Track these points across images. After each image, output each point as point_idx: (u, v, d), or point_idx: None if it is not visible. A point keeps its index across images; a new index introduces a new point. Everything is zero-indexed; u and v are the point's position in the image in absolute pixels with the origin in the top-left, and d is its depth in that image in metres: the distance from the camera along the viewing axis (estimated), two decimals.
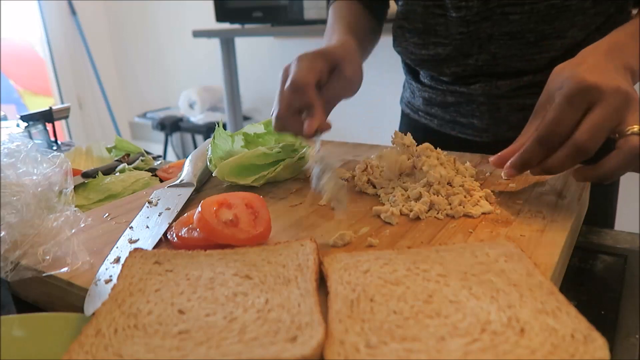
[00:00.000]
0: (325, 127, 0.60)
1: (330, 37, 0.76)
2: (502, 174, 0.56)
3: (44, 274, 0.45)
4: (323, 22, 0.95)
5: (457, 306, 0.34)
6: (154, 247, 0.49)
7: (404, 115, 0.99)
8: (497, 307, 0.34)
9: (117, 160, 0.86)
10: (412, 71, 0.91)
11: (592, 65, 0.51)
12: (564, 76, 0.52)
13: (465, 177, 0.61)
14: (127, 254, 0.45)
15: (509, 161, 0.55)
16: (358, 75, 0.66)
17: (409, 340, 0.31)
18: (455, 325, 0.32)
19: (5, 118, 1.18)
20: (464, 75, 0.80)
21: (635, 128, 0.48)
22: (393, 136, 0.66)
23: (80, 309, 0.40)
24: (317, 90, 0.61)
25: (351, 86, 0.65)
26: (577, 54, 0.55)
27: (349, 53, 0.66)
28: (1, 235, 0.47)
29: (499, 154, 0.58)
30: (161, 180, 0.79)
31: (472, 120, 0.83)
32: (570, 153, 0.49)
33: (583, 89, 0.49)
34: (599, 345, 0.30)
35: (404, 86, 0.99)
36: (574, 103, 0.49)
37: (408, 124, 0.97)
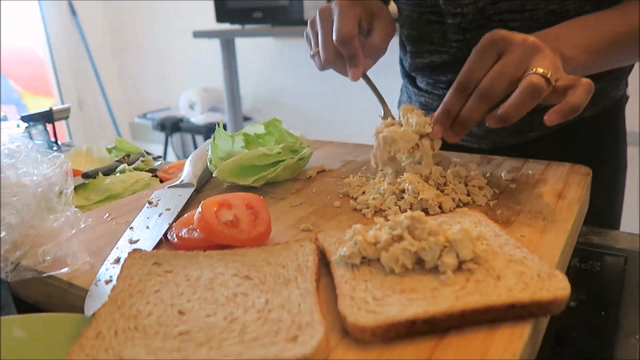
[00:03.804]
0: (366, 69, 0.68)
1: None
2: (430, 133, 0.58)
3: (44, 275, 0.45)
4: None
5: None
6: (154, 248, 0.49)
7: None
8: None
9: (117, 161, 0.86)
10: (409, 75, 0.90)
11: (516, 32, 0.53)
12: None
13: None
14: (127, 255, 0.45)
15: (433, 118, 0.57)
16: (393, 23, 0.70)
17: (408, 292, 0.37)
18: (445, 279, 0.38)
19: (5, 119, 1.18)
20: None
21: (538, 69, 0.50)
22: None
23: (80, 309, 0.40)
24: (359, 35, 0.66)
25: (392, 31, 0.70)
26: None
27: (380, 5, 0.70)
28: (1, 235, 0.47)
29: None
30: (161, 181, 0.79)
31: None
32: (478, 99, 0.52)
33: (492, 40, 0.53)
34: (560, 279, 0.37)
35: (401, 90, 0.98)
36: (483, 53, 0.53)
37: None
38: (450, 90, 0.55)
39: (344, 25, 0.64)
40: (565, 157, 0.69)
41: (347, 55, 0.65)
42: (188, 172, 0.68)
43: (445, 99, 0.55)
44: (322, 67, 0.70)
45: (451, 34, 0.75)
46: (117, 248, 0.50)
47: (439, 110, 0.56)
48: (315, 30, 0.69)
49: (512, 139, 0.80)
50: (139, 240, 0.51)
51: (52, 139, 1.06)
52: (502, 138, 0.80)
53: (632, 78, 0.84)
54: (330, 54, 0.67)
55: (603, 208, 0.81)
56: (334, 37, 0.64)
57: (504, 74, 0.51)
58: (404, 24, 0.82)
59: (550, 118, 0.50)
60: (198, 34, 2.59)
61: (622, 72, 0.79)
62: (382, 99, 0.70)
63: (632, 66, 0.82)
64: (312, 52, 0.71)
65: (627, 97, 0.85)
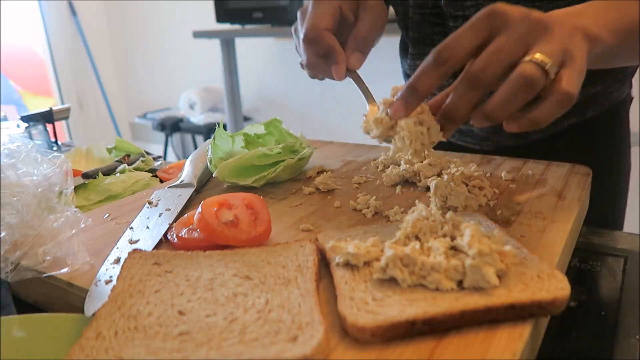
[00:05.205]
0: (355, 64, 0.61)
1: None
2: (390, 112, 0.48)
3: (44, 275, 0.45)
4: None
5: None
6: (154, 248, 0.49)
7: None
8: None
9: (117, 161, 0.86)
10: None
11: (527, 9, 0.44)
12: None
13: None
14: (127, 255, 0.45)
15: (399, 92, 0.47)
16: (383, 9, 0.65)
17: (408, 292, 0.37)
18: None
19: (5, 119, 1.18)
20: None
21: (535, 55, 0.41)
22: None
23: (80, 309, 0.40)
24: (345, 28, 0.62)
25: (380, 18, 0.64)
26: None
27: None
28: (1, 235, 0.47)
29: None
30: (161, 181, 0.79)
31: (471, 128, 0.81)
32: (466, 85, 0.43)
33: (489, 13, 0.43)
34: (560, 279, 0.37)
35: None
36: (474, 26, 0.43)
37: None
38: (423, 63, 0.44)
39: (311, 23, 0.59)
40: (568, 158, 0.69)
41: (323, 54, 0.60)
42: (188, 172, 0.68)
43: (415, 73, 0.45)
44: (312, 75, 0.65)
45: None
46: (117, 248, 0.50)
47: (407, 83, 0.46)
48: (297, 35, 0.64)
49: (514, 140, 0.79)
50: (139, 240, 0.51)
51: (52, 139, 1.06)
52: (505, 139, 0.79)
53: (636, 80, 0.83)
54: (311, 58, 0.61)
55: (606, 209, 0.81)
56: (302, 38, 0.60)
57: (500, 55, 0.42)
58: (403, 26, 0.81)
59: (508, 126, 0.45)
60: (198, 34, 2.60)
61: (625, 74, 0.78)
62: (372, 97, 0.60)
63: (636, 67, 0.81)
64: (300, 62, 0.65)
65: (632, 99, 0.85)
